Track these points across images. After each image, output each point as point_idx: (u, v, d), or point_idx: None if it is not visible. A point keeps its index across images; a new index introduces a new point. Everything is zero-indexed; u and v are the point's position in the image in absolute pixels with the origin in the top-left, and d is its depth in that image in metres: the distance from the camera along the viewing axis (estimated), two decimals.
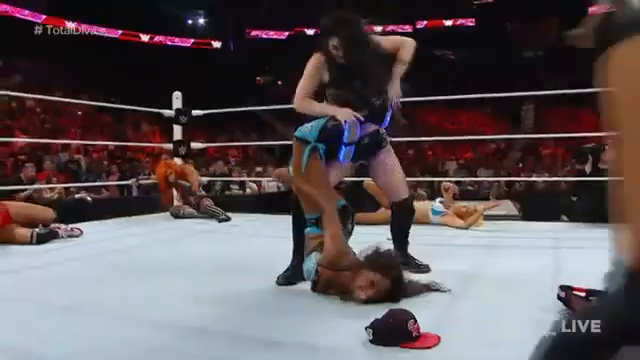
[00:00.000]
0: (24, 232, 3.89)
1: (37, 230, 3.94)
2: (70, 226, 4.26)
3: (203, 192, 5.96)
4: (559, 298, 2.01)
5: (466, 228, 4.58)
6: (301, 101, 2.74)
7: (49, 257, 3.48)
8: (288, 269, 2.68)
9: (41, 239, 3.90)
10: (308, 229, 2.55)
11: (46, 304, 2.33)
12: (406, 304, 2.07)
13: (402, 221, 2.93)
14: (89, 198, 7.55)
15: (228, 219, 5.39)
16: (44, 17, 21.08)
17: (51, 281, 2.77)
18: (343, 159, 2.67)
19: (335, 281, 2.34)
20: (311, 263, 2.45)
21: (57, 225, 4.16)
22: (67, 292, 2.52)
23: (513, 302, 2.21)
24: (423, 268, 2.76)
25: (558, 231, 4.31)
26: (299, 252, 2.68)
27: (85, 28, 22.72)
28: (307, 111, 2.71)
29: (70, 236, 4.16)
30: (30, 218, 4.03)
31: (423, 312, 1.94)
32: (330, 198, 2.51)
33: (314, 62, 2.74)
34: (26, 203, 4.49)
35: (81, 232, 4.30)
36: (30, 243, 3.84)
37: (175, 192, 5.86)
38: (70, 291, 2.55)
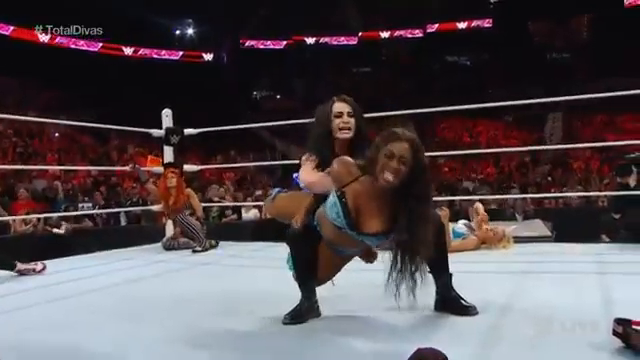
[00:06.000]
0: None
1: None
2: (30, 264, 4.18)
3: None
4: (615, 334, 1.92)
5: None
6: None
7: (22, 300, 3.40)
8: (296, 306, 2.60)
9: None
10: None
11: (22, 354, 2.25)
12: (437, 343, 1.98)
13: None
14: (62, 231, 7.47)
15: (205, 250, 5.38)
16: (12, 29, 21.29)
17: (26, 327, 2.68)
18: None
19: (360, 189, 2.35)
20: (331, 202, 2.40)
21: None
22: (43, 340, 2.44)
23: (559, 339, 2.12)
24: (471, 310, 2.57)
25: (600, 254, 4.21)
26: (306, 287, 2.64)
27: (61, 41, 22.96)
28: None
29: (23, 273, 4.09)
30: None
31: (455, 350, 1.87)
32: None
33: None
34: None
35: (44, 267, 4.22)
36: None
37: (173, 226, 5.82)
38: (46, 338, 2.46)
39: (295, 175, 2.91)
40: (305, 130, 2.96)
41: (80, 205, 10.22)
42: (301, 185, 2.71)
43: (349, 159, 2.44)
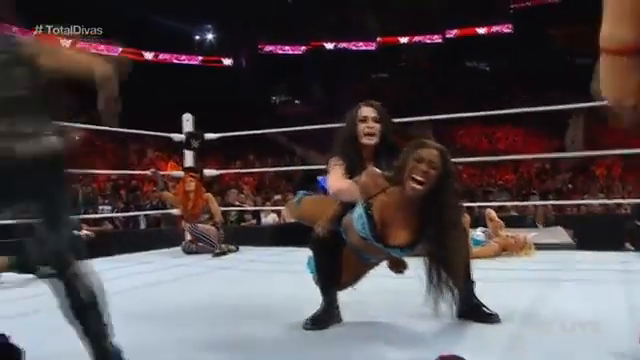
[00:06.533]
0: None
1: None
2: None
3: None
4: None
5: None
6: None
7: (41, 302, 3.40)
8: (317, 312, 2.59)
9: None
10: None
11: (39, 356, 2.25)
12: (459, 350, 1.96)
13: None
14: (84, 233, 7.51)
15: (223, 254, 5.37)
16: (35, 33, 21.55)
17: (44, 329, 2.68)
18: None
19: (387, 201, 2.34)
20: (357, 213, 2.39)
21: None
22: (60, 342, 2.42)
23: (584, 347, 2.09)
24: (493, 318, 2.54)
25: (625, 262, 4.15)
26: (328, 293, 2.63)
27: (82, 46, 23.15)
28: None
29: (43, 277, 4.11)
30: None
31: (478, 358, 1.86)
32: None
33: None
34: None
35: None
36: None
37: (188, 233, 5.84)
38: (64, 341, 2.45)
39: (320, 178, 2.89)
40: (323, 135, 2.95)
41: (100, 208, 10.30)
42: (329, 191, 2.68)
43: (377, 170, 2.44)
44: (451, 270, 2.35)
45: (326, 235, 2.52)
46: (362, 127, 2.73)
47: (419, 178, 2.24)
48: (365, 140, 2.73)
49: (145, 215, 9.97)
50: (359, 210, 2.36)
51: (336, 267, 2.59)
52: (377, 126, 2.74)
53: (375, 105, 2.81)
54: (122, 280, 4.20)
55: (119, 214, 9.90)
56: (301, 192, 2.95)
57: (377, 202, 2.35)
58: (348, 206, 2.49)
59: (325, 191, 2.78)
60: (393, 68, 31.53)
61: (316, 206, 2.76)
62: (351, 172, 2.63)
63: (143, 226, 10.10)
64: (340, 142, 2.79)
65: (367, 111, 2.77)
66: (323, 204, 2.68)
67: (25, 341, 1.98)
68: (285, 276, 4.18)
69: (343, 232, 2.50)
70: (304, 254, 2.74)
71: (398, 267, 2.73)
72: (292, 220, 3.43)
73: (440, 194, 2.28)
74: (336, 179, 2.65)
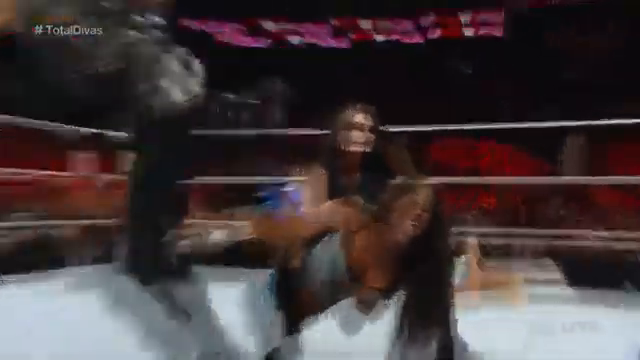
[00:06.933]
0: None
1: None
2: None
3: None
4: None
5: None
6: None
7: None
8: (277, 346, 2.56)
9: None
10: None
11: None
12: None
13: None
14: None
15: None
16: None
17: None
18: None
19: (367, 239, 2.37)
20: (332, 247, 2.41)
21: None
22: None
23: None
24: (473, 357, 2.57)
25: (624, 303, 4.22)
26: (291, 324, 2.58)
27: None
28: None
29: None
30: None
31: None
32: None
33: None
34: None
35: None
36: None
37: None
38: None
39: (290, 189, 2.81)
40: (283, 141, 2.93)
41: None
42: (302, 209, 2.61)
43: (359, 201, 2.45)
44: (428, 325, 2.36)
45: (298, 264, 2.50)
46: (351, 134, 2.70)
47: (411, 221, 2.28)
48: (352, 148, 2.70)
49: None
50: (334, 246, 2.39)
51: (302, 298, 2.55)
52: (363, 134, 2.71)
53: (365, 109, 2.77)
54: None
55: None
56: (267, 202, 2.82)
57: (355, 238, 2.37)
58: (322, 232, 2.48)
59: (294, 202, 2.72)
60: (367, 68, 31.55)
61: (284, 224, 2.70)
62: (332, 184, 2.62)
63: None
64: (323, 149, 2.77)
65: (355, 117, 2.73)
66: (293, 222, 2.62)
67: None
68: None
69: (310, 264, 2.47)
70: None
71: (364, 308, 2.73)
72: (246, 237, 3.38)
73: (430, 239, 2.31)
74: (313, 197, 2.61)
